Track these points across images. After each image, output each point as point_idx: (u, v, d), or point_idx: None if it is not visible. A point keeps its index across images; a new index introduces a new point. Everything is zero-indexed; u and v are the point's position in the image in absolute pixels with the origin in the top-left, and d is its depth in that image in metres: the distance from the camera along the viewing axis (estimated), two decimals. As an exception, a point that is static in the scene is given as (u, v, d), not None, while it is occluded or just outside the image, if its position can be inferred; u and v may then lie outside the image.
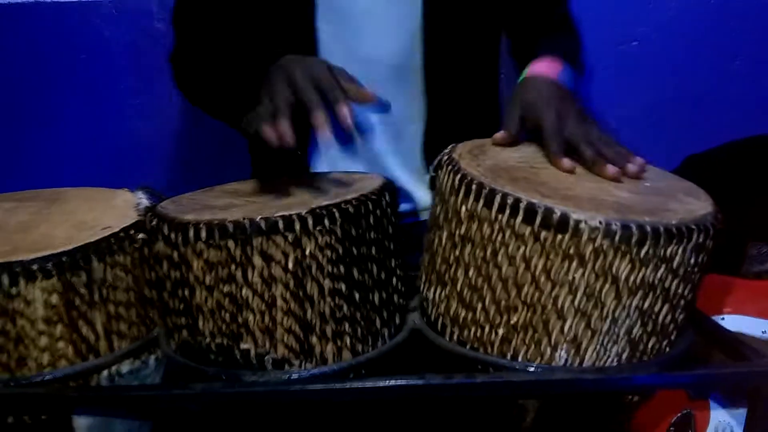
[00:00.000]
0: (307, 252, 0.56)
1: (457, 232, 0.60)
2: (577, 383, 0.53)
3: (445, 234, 0.62)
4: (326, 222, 0.57)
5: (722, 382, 0.56)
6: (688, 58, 1.13)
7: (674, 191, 0.62)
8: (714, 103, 1.13)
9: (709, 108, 1.12)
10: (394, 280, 0.65)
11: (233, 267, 0.56)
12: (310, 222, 0.56)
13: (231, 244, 0.55)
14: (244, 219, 0.55)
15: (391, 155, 0.86)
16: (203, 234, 0.55)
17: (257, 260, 0.56)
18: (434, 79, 0.83)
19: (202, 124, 1.20)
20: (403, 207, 0.81)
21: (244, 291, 0.56)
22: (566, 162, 0.63)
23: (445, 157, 0.64)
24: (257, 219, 0.55)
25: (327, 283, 0.57)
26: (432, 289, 0.64)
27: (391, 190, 0.66)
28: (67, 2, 1.23)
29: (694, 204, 0.58)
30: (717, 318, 0.92)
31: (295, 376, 0.57)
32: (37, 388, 0.58)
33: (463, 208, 0.59)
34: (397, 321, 0.65)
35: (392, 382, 0.54)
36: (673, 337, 0.58)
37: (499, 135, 0.67)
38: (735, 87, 1.13)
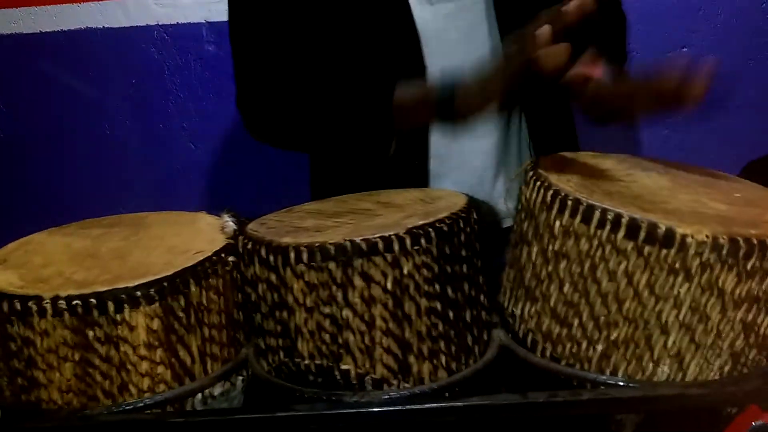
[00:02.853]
0: (405, 272, 0.57)
1: (550, 248, 0.60)
2: (681, 398, 0.53)
3: (535, 249, 0.62)
4: (423, 241, 0.57)
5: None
6: (738, 63, 1.13)
7: (764, 200, 0.61)
8: None
9: (765, 112, 1.11)
10: (482, 296, 0.65)
11: (334, 288, 0.56)
12: (408, 242, 0.57)
13: (332, 265, 0.56)
14: (345, 241, 0.56)
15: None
16: (305, 257, 0.56)
17: (358, 281, 0.56)
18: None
19: (249, 147, 1.22)
20: None
21: (344, 312, 0.57)
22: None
23: (531, 173, 0.64)
24: (358, 241, 0.56)
25: (423, 302, 0.58)
26: (520, 305, 0.64)
27: (477, 206, 0.66)
28: (118, 28, 1.26)
29: (790, 214, 0.58)
30: None
31: (394, 395, 0.58)
32: (139, 414, 0.59)
33: (557, 223, 0.59)
34: (486, 338, 0.65)
35: (493, 402, 0.54)
36: (773, 350, 0.58)
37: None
38: None
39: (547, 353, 0.61)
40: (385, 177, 0.79)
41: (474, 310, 0.63)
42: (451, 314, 0.60)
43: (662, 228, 0.53)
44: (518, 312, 0.65)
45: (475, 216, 0.64)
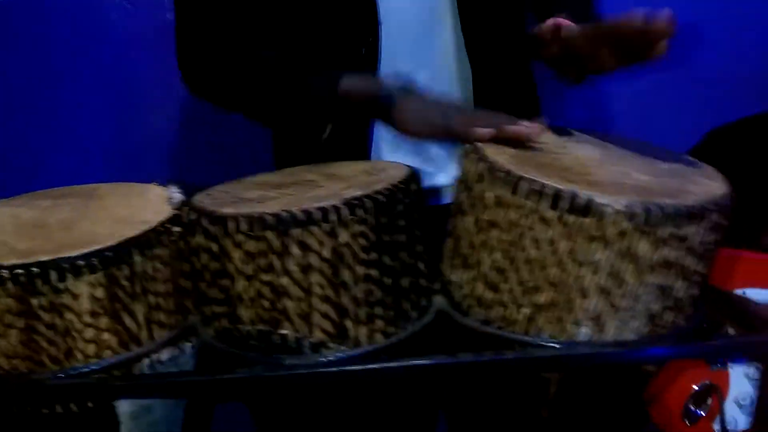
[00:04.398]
0: (342, 241, 0.59)
1: (483, 217, 0.63)
2: (598, 357, 0.57)
3: (470, 219, 0.65)
4: (360, 212, 0.59)
5: (733, 352, 0.59)
6: (711, 33, 1.14)
7: (691, 173, 0.65)
8: (736, 77, 1.15)
9: (731, 83, 1.14)
10: (422, 264, 0.67)
11: (272, 257, 0.58)
12: (345, 212, 0.59)
13: (270, 235, 0.58)
14: (282, 211, 0.58)
15: None
16: (243, 226, 0.58)
17: (295, 250, 0.58)
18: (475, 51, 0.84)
19: (216, 117, 1.22)
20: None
21: (282, 279, 0.59)
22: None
23: (469, 145, 0.67)
24: (295, 211, 0.58)
25: (360, 270, 0.60)
26: (457, 272, 0.67)
27: (417, 178, 0.68)
28: (81, -6, 1.23)
29: (710, 185, 0.61)
30: (738, 292, 0.95)
31: (331, 358, 0.60)
32: (85, 378, 0.61)
33: (490, 194, 0.62)
34: (424, 304, 0.68)
35: (425, 362, 0.57)
36: (689, 311, 0.62)
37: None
38: (758, 60, 1.15)
39: (481, 317, 0.64)
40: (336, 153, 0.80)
41: (412, 278, 0.65)
42: (387, 281, 0.62)
43: (582, 198, 0.56)
44: (455, 279, 0.67)
45: (415, 188, 0.66)
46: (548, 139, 0.71)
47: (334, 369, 0.58)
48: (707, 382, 0.93)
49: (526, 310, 0.61)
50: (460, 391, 0.67)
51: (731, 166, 0.97)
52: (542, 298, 0.59)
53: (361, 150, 0.84)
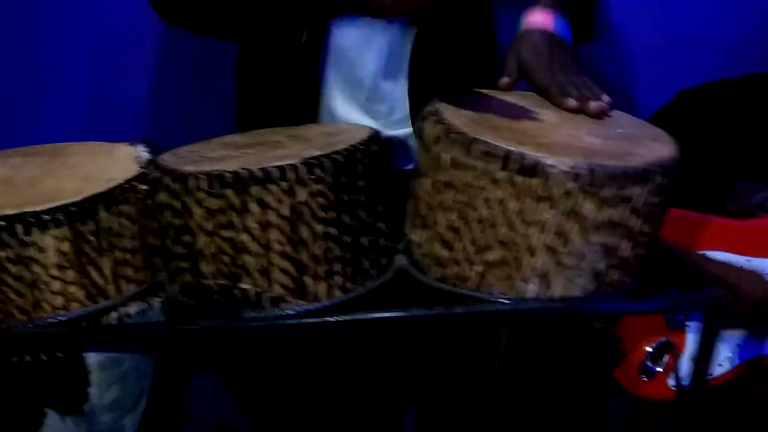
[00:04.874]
0: (301, 199, 0.61)
1: (440, 179, 0.64)
2: (544, 312, 0.59)
3: (429, 180, 0.66)
4: (318, 171, 0.61)
5: (675, 309, 0.62)
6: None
7: (642, 137, 0.66)
8: (708, 41, 1.16)
9: (704, 46, 1.15)
10: (382, 224, 0.69)
11: (232, 214, 0.60)
12: (303, 171, 0.60)
13: (229, 192, 0.59)
14: (242, 169, 0.59)
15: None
16: (203, 184, 0.60)
17: (254, 207, 0.60)
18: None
19: (196, 78, 1.22)
20: None
21: (242, 236, 0.61)
22: (570, 102, 0.70)
23: (430, 108, 0.68)
24: (254, 169, 0.59)
25: (319, 228, 0.62)
26: (416, 232, 0.69)
27: (379, 140, 0.70)
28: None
29: (658, 149, 0.63)
30: (700, 254, 0.98)
31: (289, 312, 0.63)
32: (52, 328, 0.63)
33: (446, 156, 0.63)
34: (385, 262, 0.70)
35: (379, 315, 0.60)
36: (636, 270, 0.64)
37: (504, 81, 0.72)
38: (729, 26, 1.15)
39: (437, 275, 0.67)
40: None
41: (371, 237, 0.67)
42: (347, 239, 0.64)
43: (530, 159, 0.57)
44: (415, 238, 0.70)
45: (375, 149, 0.68)
46: (511, 101, 0.73)
47: (291, 322, 0.61)
48: (664, 339, 0.96)
49: (478, 268, 0.63)
50: (418, 346, 0.70)
51: (697, 129, 0.99)
52: (493, 256, 0.62)
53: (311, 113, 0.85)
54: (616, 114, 0.75)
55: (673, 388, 0.97)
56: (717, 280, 0.87)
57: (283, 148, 0.68)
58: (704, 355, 0.61)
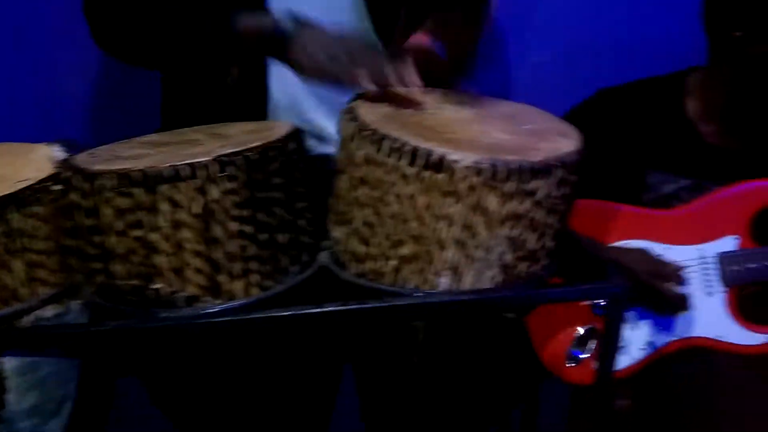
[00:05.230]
0: (212, 197, 0.61)
1: (355, 175, 0.65)
2: (455, 304, 0.61)
3: (345, 177, 0.67)
4: (230, 169, 0.61)
5: (580, 298, 0.64)
6: (601, 1, 1.19)
7: (549, 133, 0.69)
8: (625, 44, 1.21)
9: (621, 49, 1.19)
10: (302, 221, 0.70)
11: (141, 213, 0.60)
12: (215, 169, 0.60)
13: (137, 191, 0.59)
14: (149, 167, 0.59)
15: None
16: (111, 183, 0.59)
17: (164, 206, 0.60)
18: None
19: (124, 77, 1.20)
20: None
21: (153, 235, 0.60)
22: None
23: (347, 105, 0.69)
24: (162, 167, 0.59)
25: (233, 226, 0.62)
26: (336, 229, 0.70)
27: (299, 137, 0.70)
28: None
29: (561, 143, 0.65)
30: (621, 243, 1.02)
31: (204, 312, 0.63)
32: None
33: (360, 152, 0.64)
34: (306, 259, 0.71)
35: (292, 312, 0.61)
36: (544, 261, 0.66)
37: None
38: (645, 29, 1.20)
39: (356, 271, 0.68)
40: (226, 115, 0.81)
41: (291, 234, 0.68)
42: (263, 237, 0.65)
43: (436, 155, 0.59)
44: (336, 235, 0.71)
45: (294, 146, 0.68)
46: (429, 98, 0.74)
47: (205, 321, 0.61)
48: (590, 326, 1.00)
49: (393, 263, 0.64)
50: (342, 342, 0.71)
51: (614, 125, 1.03)
52: (406, 250, 0.63)
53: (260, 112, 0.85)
54: (531, 110, 0.77)
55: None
56: (621, 268, 0.91)
57: (200, 146, 0.67)
58: (610, 341, 0.64)
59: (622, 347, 1.02)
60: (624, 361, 1.01)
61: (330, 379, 0.77)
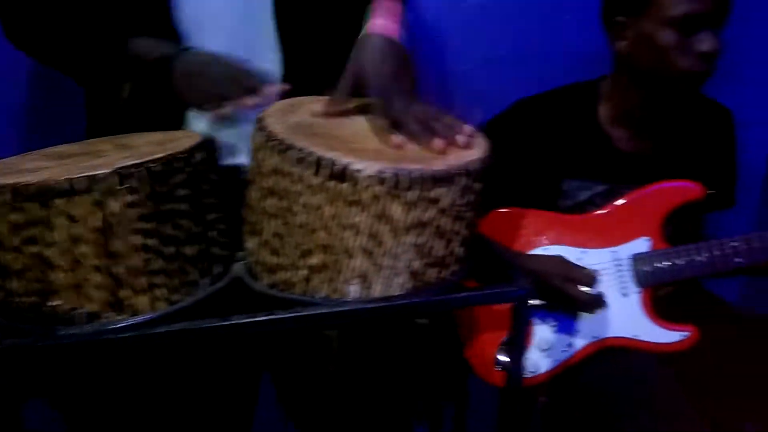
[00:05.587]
0: (112, 211, 0.59)
1: (264, 186, 0.65)
2: (362, 312, 0.61)
3: (255, 188, 0.67)
4: (131, 181, 0.60)
5: (486, 302, 0.66)
6: (522, 13, 1.23)
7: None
8: (544, 54, 1.25)
9: (540, 59, 1.23)
10: (213, 232, 0.69)
11: (36, 228, 0.58)
12: (114, 181, 0.59)
13: (31, 205, 0.57)
14: (43, 181, 0.57)
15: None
16: (4, 197, 0.57)
17: (60, 220, 0.58)
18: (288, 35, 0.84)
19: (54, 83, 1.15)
20: None
21: (49, 251, 0.58)
22: (395, 138, 0.66)
23: (258, 116, 0.69)
24: (56, 181, 0.57)
25: (136, 239, 0.61)
26: (249, 239, 0.70)
27: (208, 147, 0.69)
28: None
29: (467, 152, 0.67)
30: (540, 249, 1.05)
31: (103, 326, 0.61)
32: None
33: (268, 163, 0.64)
34: (219, 271, 0.70)
35: (196, 326, 0.60)
36: (454, 267, 0.68)
37: (325, 109, 0.71)
38: (563, 39, 1.24)
39: (268, 281, 0.67)
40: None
41: (200, 246, 0.67)
42: (169, 250, 0.64)
43: (339, 165, 0.59)
44: (249, 246, 0.70)
45: (201, 157, 0.67)
46: (344, 108, 0.74)
47: (106, 337, 0.59)
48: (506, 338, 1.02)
49: (303, 272, 0.64)
50: (259, 352, 0.71)
51: (531, 134, 1.07)
52: (315, 260, 0.63)
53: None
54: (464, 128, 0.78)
55: (526, 376, 1.04)
56: (526, 272, 0.95)
57: (103, 158, 0.66)
58: (517, 343, 0.65)
59: (546, 350, 1.06)
60: (547, 363, 1.04)
61: (247, 390, 0.76)
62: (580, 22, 1.19)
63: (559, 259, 0.99)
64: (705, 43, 0.91)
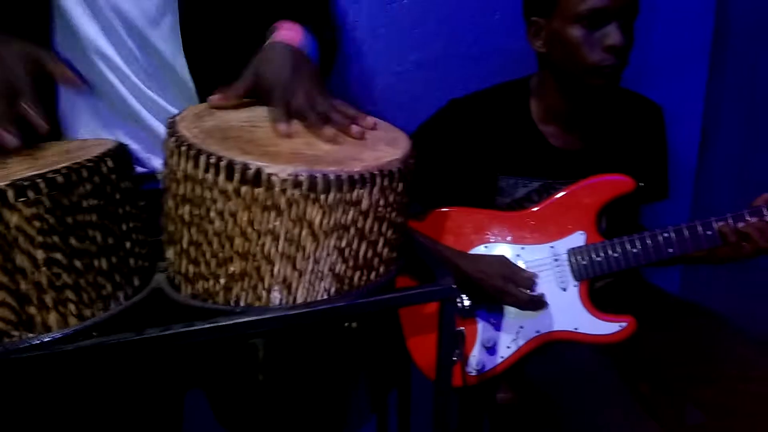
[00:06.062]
0: (12, 225, 0.56)
1: (179, 193, 0.63)
2: (285, 319, 0.60)
3: (170, 195, 0.65)
4: (31, 193, 0.57)
5: (411, 302, 0.65)
6: (453, 14, 1.23)
7: (378, 142, 0.69)
8: (476, 54, 1.25)
9: (474, 58, 1.24)
10: (128, 243, 0.66)
11: (-74, 247, 0.54)
12: (11, 194, 0.56)
13: None
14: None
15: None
16: None
17: (-47, 237, 0.55)
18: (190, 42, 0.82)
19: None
20: None
21: (-58, 270, 0.55)
22: (282, 126, 0.66)
23: (170, 120, 0.66)
24: (-54, 195, 0.54)
25: (40, 254, 0.58)
26: (169, 249, 0.67)
27: (119, 155, 0.66)
28: None
29: (385, 152, 0.66)
30: (481, 248, 1.05)
31: (10, 346, 0.58)
32: None
33: (180, 169, 0.62)
34: (138, 283, 0.67)
35: (110, 340, 0.57)
36: (382, 269, 0.67)
37: (215, 97, 0.70)
38: (494, 39, 1.25)
39: (188, 291, 0.65)
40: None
41: (114, 258, 0.64)
42: (78, 264, 0.60)
43: (252, 168, 0.57)
44: (169, 255, 0.67)
45: (110, 166, 0.64)
46: (256, 113, 0.72)
47: (14, 357, 0.56)
48: (459, 329, 1.02)
49: (222, 281, 0.62)
50: (181, 364, 0.68)
51: (466, 133, 1.07)
52: (234, 268, 0.61)
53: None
54: (374, 121, 0.77)
55: (473, 374, 1.04)
56: (455, 270, 0.95)
57: (6, 169, 0.62)
58: (445, 341, 0.65)
59: (490, 347, 1.06)
60: (493, 360, 1.04)
61: (171, 407, 0.73)
62: (509, 21, 1.20)
63: (501, 260, 1.00)
64: (611, 36, 0.93)
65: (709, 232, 0.98)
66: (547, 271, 1.03)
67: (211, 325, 0.59)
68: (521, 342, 1.03)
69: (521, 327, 1.03)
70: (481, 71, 1.18)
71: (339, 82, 1.15)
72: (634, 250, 1.00)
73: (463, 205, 1.05)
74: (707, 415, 1.00)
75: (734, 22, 1.36)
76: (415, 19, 1.21)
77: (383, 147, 0.67)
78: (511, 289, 0.97)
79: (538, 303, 1.00)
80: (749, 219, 0.96)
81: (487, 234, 1.04)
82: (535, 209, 1.05)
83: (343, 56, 1.16)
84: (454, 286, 0.63)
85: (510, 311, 1.02)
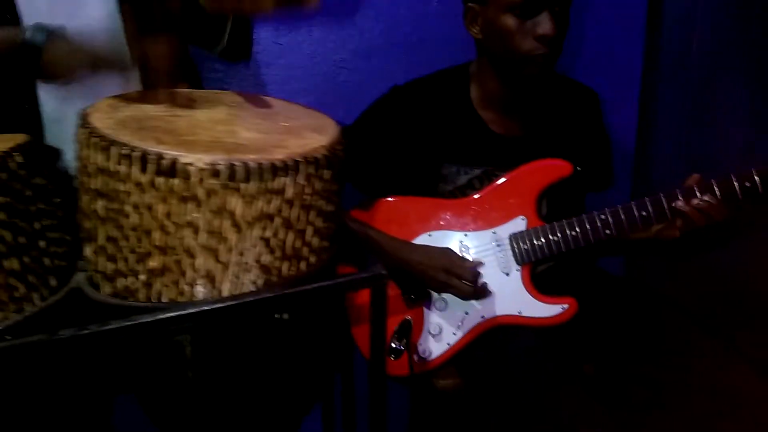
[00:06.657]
0: None
1: (93, 187, 0.60)
2: (209, 313, 0.58)
3: (84, 190, 0.62)
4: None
5: (340, 290, 0.64)
6: (391, 1, 1.22)
7: (303, 129, 0.67)
8: (416, 41, 1.24)
9: (414, 45, 1.23)
10: (43, 242, 0.63)
11: None
12: None
13: None
14: None
15: None
16: None
17: None
18: None
19: None
20: None
21: None
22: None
23: (81, 112, 0.63)
24: None
25: (-60, 255, 0.54)
26: (86, 247, 0.64)
27: (30, 150, 0.63)
28: None
29: (311, 139, 0.64)
30: (424, 236, 1.05)
31: None
32: None
33: (92, 162, 0.59)
34: (54, 283, 0.64)
35: (18, 342, 0.54)
36: (312, 259, 0.65)
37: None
38: (433, 25, 1.24)
39: (107, 290, 0.62)
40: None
41: (26, 258, 0.61)
42: (-14, 265, 0.57)
43: (167, 159, 0.55)
44: (86, 253, 0.64)
45: (18, 162, 0.61)
46: (185, 100, 0.70)
47: None
48: (407, 318, 1.02)
49: (143, 277, 0.60)
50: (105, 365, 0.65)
51: (408, 120, 1.06)
52: (154, 263, 0.59)
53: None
54: (295, 108, 0.75)
55: (421, 361, 1.04)
56: (399, 262, 0.95)
57: None
58: (377, 328, 0.64)
59: (437, 335, 1.06)
60: (440, 347, 1.04)
61: (101, 409, 0.70)
62: (448, 8, 1.20)
63: (444, 252, 1.00)
64: (542, 26, 0.94)
65: (644, 213, 1.00)
66: (490, 256, 1.03)
67: (130, 323, 0.56)
68: (467, 328, 1.03)
69: (466, 313, 1.03)
70: (421, 58, 1.17)
71: (278, 71, 1.13)
72: (573, 233, 1.01)
73: (406, 193, 1.05)
74: (651, 393, 1.03)
75: (666, 5, 1.39)
76: (354, 6, 1.19)
77: (309, 134, 0.65)
78: (453, 282, 0.97)
79: (480, 293, 1.00)
80: (681, 198, 0.98)
81: (431, 222, 1.04)
82: (477, 196, 1.05)
83: (282, 46, 1.13)
84: (384, 272, 0.62)
85: (454, 298, 1.02)
